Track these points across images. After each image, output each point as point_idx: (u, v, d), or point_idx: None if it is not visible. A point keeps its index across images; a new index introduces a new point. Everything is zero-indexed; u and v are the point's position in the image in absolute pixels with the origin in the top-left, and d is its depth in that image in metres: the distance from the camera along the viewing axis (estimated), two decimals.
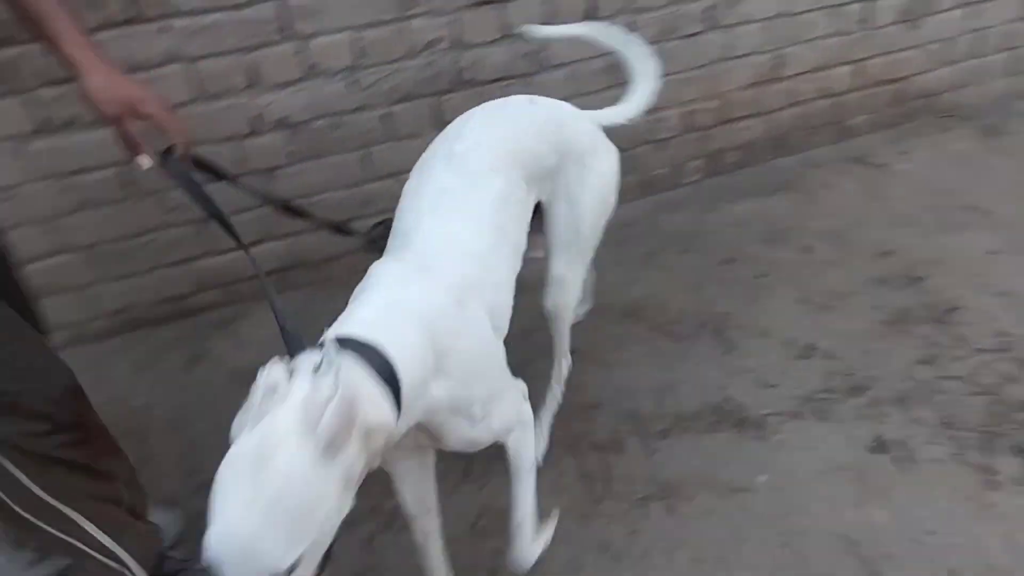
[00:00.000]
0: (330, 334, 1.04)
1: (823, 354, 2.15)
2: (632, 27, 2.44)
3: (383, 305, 1.15)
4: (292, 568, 0.81)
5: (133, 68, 1.95)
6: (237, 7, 1.98)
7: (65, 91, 1.94)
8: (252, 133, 2.18)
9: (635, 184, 2.77)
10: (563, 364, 1.89)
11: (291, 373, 0.91)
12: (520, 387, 1.44)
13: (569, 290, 1.75)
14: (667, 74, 2.57)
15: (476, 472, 1.95)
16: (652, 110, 2.60)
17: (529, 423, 1.44)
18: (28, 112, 1.94)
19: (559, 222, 1.65)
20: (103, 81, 1.28)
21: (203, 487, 0.88)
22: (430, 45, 2.21)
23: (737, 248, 2.60)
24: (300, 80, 2.14)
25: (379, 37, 2.15)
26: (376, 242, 2.42)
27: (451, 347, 1.16)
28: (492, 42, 2.28)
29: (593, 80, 2.49)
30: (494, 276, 1.37)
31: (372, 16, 2.12)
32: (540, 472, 1.88)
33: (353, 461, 0.89)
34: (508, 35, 2.27)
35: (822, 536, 1.69)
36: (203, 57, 2.01)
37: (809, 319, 2.28)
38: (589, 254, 1.76)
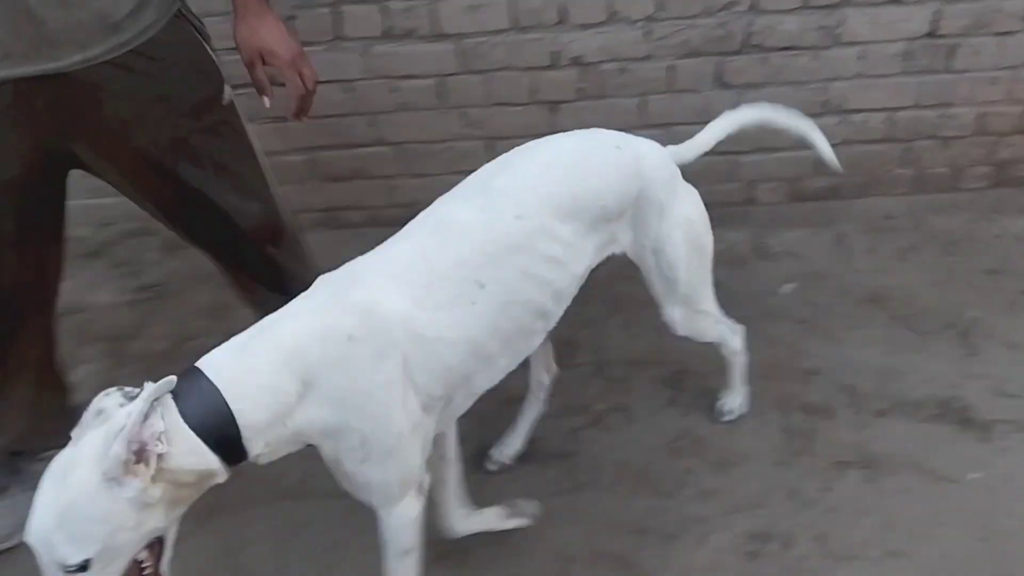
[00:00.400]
0: (202, 360, 1.16)
1: None
2: (937, 15, 2.39)
3: (259, 330, 1.20)
4: (84, 566, 1.01)
5: None
6: None
7: (410, 5, 2.32)
8: (550, 67, 2.44)
9: (907, 177, 2.70)
10: (732, 337, 1.88)
11: (129, 399, 1.07)
12: (422, 480, 1.36)
13: (699, 321, 1.74)
14: (967, 71, 2.50)
15: (683, 400, 2.10)
16: (942, 104, 2.55)
17: (414, 521, 1.35)
18: (380, 19, 2.35)
19: (651, 273, 1.63)
20: (246, 30, 1.50)
21: None
22: (728, 6, 2.33)
23: (1005, 261, 2.47)
24: (602, 24, 2.36)
25: None
26: None
27: (324, 377, 1.17)
28: (789, 11, 2.34)
29: (887, 64, 2.47)
30: (434, 331, 1.26)
31: None
32: (743, 417, 2.00)
33: (146, 490, 1.02)
34: (807, 6, 2.33)
35: None
36: None
37: None
38: (704, 289, 1.72)
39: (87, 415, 1.09)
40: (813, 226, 2.68)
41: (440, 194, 1.38)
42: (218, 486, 1.17)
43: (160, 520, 1.08)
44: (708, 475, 1.89)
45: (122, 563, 1.07)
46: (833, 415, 2.01)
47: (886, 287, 2.41)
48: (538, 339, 1.47)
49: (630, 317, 2.35)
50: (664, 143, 1.70)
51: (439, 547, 1.60)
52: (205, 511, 1.75)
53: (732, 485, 1.87)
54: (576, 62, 2.43)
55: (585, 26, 2.36)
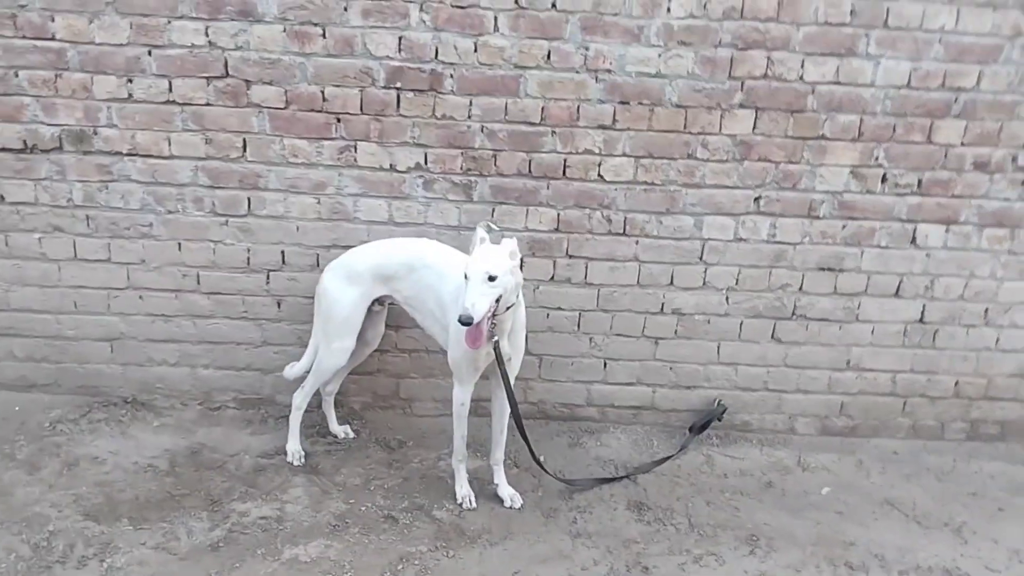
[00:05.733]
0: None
1: None
2: (924, 308, 3.54)
3: None
4: (494, 277, 2.62)
5: (610, 258, 3.44)
6: (676, 238, 3.44)
7: (572, 262, 3.45)
8: (657, 313, 3.55)
9: (906, 425, 3.72)
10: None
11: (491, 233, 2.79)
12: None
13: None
14: (946, 349, 3.60)
15: None
16: (929, 372, 3.62)
17: None
18: (550, 269, 3.48)
19: None
20: None
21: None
22: (783, 287, 3.51)
23: (983, 488, 3.46)
24: (697, 288, 3.52)
25: (750, 275, 3.48)
26: (702, 428, 3.67)
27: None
28: (824, 294, 3.51)
29: (891, 338, 3.63)
30: None
31: (750, 262, 3.47)
32: (805, 565, 2.83)
33: (515, 266, 2.73)
34: (836, 292, 3.50)
35: None
36: (648, 262, 3.47)
37: None
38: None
39: (476, 237, 2.73)
40: (839, 452, 3.63)
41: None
42: None
43: (510, 284, 2.70)
44: None
45: (497, 291, 2.65)
46: (868, 572, 2.83)
47: (897, 497, 3.34)
48: None
49: None
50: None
51: None
52: None
53: None
54: (676, 312, 3.54)
55: (686, 288, 3.51)
